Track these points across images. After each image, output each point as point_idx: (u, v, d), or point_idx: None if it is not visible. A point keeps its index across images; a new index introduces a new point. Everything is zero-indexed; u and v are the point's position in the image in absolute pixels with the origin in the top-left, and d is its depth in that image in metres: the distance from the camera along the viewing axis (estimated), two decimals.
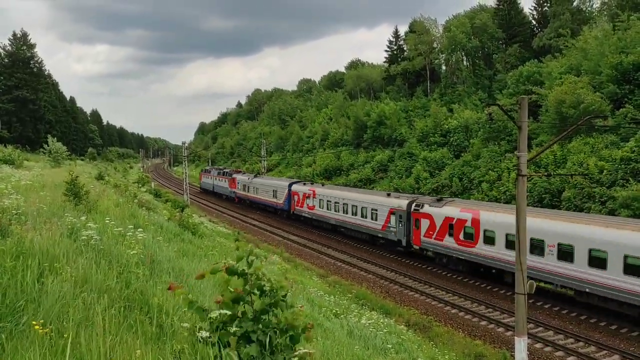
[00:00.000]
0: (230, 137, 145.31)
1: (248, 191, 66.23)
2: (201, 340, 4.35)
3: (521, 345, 14.95)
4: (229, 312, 4.31)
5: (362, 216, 40.46)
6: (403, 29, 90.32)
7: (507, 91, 58.63)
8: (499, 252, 27.29)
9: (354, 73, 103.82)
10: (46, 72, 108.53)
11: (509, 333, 22.19)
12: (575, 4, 65.45)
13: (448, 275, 31.74)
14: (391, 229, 36.83)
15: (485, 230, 28.26)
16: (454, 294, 28.07)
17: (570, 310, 24.48)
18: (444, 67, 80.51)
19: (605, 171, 37.48)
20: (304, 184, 54.06)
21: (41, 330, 4.35)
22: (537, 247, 24.89)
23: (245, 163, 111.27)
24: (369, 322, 17.28)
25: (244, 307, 4.41)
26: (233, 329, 4.24)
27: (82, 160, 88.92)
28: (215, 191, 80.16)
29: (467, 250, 29.57)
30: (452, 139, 59.95)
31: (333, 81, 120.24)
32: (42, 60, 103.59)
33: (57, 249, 6.97)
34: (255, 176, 67.11)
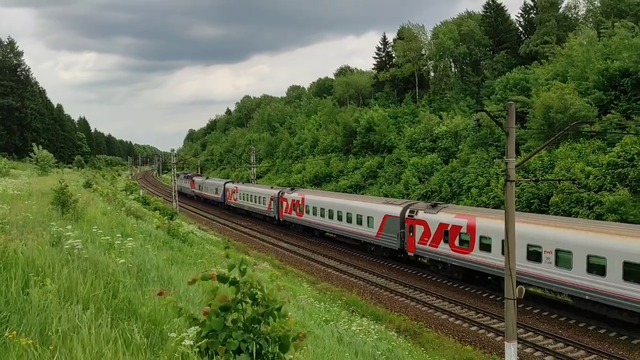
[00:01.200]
0: (220, 144, 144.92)
1: (201, 189, 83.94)
2: (188, 349, 4.29)
3: (511, 350, 14.98)
4: (215, 321, 4.26)
5: (357, 223, 39.54)
6: (391, 36, 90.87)
7: (495, 97, 59.16)
8: (495, 259, 26.57)
9: (343, 80, 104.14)
10: (33, 80, 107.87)
11: (499, 338, 22.23)
12: (561, 11, 66.25)
13: (438, 280, 31.78)
14: (385, 235, 36.41)
15: (481, 237, 27.76)
16: (444, 299, 28.10)
17: (559, 315, 24.60)
18: (432, 74, 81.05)
19: (592, 176, 37.86)
20: (243, 183, 58.83)
21: (25, 342, 4.27)
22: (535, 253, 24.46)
23: (235, 170, 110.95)
24: (359, 328, 17.24)
25: (235, 315, 4.36)
26: (222, 337, 4.19)
27: (69, 168, 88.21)
28: (182, 192, 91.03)
29: (463, 256, 29.13)
30: (441, 144, 60.27)
31: (322, 88, 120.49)
32: (29, 68, 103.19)
33: (42, 258, 6.86)
34: (207, 178, 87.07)
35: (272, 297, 4.45)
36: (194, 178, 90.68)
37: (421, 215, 32.49)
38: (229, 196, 68.79)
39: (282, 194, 52.40)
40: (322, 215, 44.32)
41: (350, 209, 40.49)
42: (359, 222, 39.12)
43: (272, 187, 57.78)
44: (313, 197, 47.28)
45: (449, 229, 29.99)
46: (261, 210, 57.91)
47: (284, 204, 51.35)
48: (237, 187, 66.46)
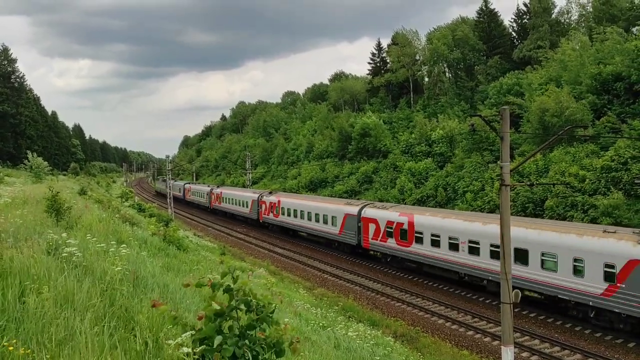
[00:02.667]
0: (215, 150, 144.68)
1: (173, 190, 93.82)
2: (185, 357, 4.29)
3: (508, 355, 14.99)
4: (210, 327, 4.27)
5: (324, 222, 43.30)
6: (385, 42, 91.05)
7: (489, 102, 59.40)
8: (426, 250, 31.03)
9: (338, 85, 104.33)
10: (27, 87, 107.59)
11: (495, 342, 22.24)
12: (553, 16, 66.70)
13: (434, 285, 31.81)
14: (346, 232, 39.91)
15: (416, 232, 31.92)
16: (440, 304, 28.12)
17: (555, 319, 24.65)
18: (426, 79, 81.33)
19: (587, 180, 38.01)
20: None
21: (23, 351, 4.26)
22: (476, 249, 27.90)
23: (230, 176, 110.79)
24: (356, 334, 17.22)
25: (231, 322, 4.36)
26: (216, 343, 4.19)
27: (64, 175, 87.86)
28: (160, 192, 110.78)
29: (404, 249, 33.03)
30: (436, 149, 60.41)
31: (317, 93, 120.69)
32: (23, 75, 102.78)
33: (38, 267, 6.85)
34: (181, 182, 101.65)
35: (266, 302, 4.47)
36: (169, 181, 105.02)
37: (373, 213, 36.34)
38: (214, 200, 74.02)
39: (261, 197, 56.99)
40: (295, 216, 48.56)
41: (318, 210, 44.45)
42: (325, 222, 43.13)
43: (253, 192, 62.18)
44: (287, 199, 51.59)
45: (394, 225, 33.80)
46: (243, 213, 62.66)
47: (263, 206, 55.98)
48: (221, 192, 71.91)
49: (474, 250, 27.92)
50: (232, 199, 66.72)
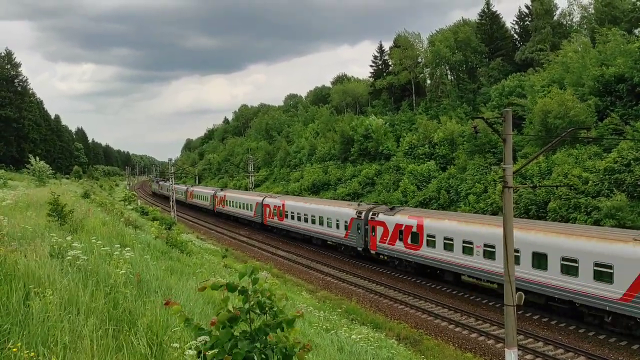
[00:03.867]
0: (217, 153, 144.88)
1: (162, 189, 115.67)
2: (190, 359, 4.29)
3: (512, 357, 14.96)
4: (223, 332, 4.25)
5: (328, 226, 43.14)
6: (387, 45, 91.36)
7: (491, 104, 59.37)
8: (439, 254, 30.48)
9: (340, 88, 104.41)
10: (30, 91, 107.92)
11: (499, 345, 22.19)
12: (555, 18, 66.68)
13: (437, 288, 31.76)
14: (352, 236, 39.58)
15: (427, 235, 31.52)
16: (443, 306, 28.06)
17: (559, 321, 24.57)
18: (428, 81, 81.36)
19: (590, 182, 37.94)
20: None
21: (27, 355, 4.27)
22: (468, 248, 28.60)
23: (233, 179, 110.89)
24: (359, 336, 17.19)
25: (244, 325, 4.35)
26: (227, 347, 4.18)
27: (67, 178, 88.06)
28: (154, 192, 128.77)
29: (414, 252, 32.80)
30: (438, 151, 60.39)
31: (319, 96, 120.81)
32: (26, 79, 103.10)
33: (42, 270, 6.87)
34: (169, 182, 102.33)
35: (282, 306, 4.44)
36: (160, 182, 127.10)
37: (381, 217, 36.17)
38: (218, 202, 73.96)
39: (265, 200, 56.73)
40: (299, 220, 48.25)
41: (323, 213, 43.90)
42: (329, 225, 42.89)
43: (258, 195, 61.83)
44: (292, 202, 50.95)
45: (403, 228, 33.69)
46: (247, 216, 62.14)
47: (267, 209, 55.69)
48: (225, 195, 71.94)
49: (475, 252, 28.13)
50: (236, 202, 66.06)
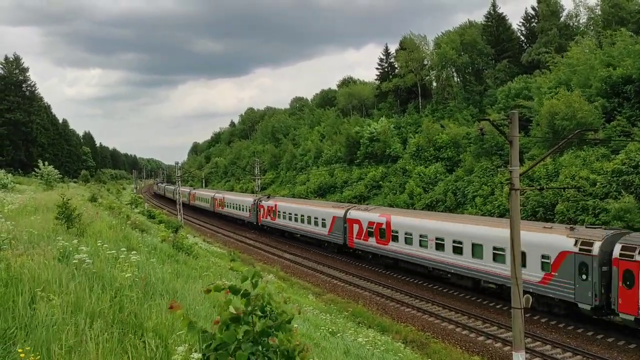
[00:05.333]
0: (224, 157, 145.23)
1: (159, 190, 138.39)
2: None
3: None
4: (227, 334, 4.27)
5: (314, 224, 46.53)
6: (393, 47, 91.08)
7: (497, 106, 59.16)
8: (400, 247, 34.09)
9: (346, 90, 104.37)
10: (38, 96, 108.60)
11: (506, 348, 22.06)
12: (562, 19, 66.40)
13: (444, 291, 31.65)
14: (334, 233, 43.01)
15: (392, 231, 34.70)
16: (450, 309, 27.95)
17: (567, 324, 24.41)
18: (434, 84, 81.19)
19: (597, 184, 37.71)
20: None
21: (33, 358, 4.29)
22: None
23: (240, 182, 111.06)
24: (366, 340, 17.15)
25: (246, 327, 4.37)
26: (230, 349, 4.20)
27: (74, 182, 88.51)
28: (156, 193, 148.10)
29: (383, 247, 35.82)
30: (444, 154, 60.24)
31: (325, 99, 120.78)
32: (34, 84, 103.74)
33: (48, 273, 6.90)
34: (164, 184, 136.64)
35: (281, 309, 4.47)
36: (159, 184, 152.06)
37: (357, 214, 39.29)
38: (217, 205, 78.39)
39: (259, 201, 60.63)
40: (290, 219, 52.05)
41: (310, 213, 47.51)
42: (316, 224, 46.15)
43: (252, 197, 65.81)
44: (283, 203, 55.45)
45: (374, 225, 36.58)
46: (243, 216, 65.88)
47: (262, 210, 59.49)
48: (223, 197, 76.70)
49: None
50: (233, 203, 70.19)
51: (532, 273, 24.65)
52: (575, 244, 23.32)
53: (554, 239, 24.52)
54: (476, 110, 67.14)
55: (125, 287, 7.61)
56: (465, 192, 51.21)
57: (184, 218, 65.97)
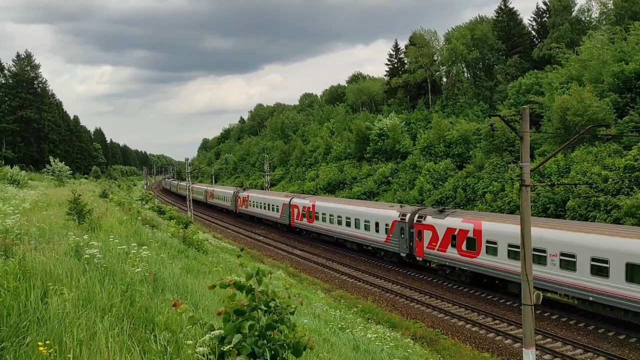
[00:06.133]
0: (234, 153, 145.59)
1: (166, 185, 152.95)
2: (202, 356, 4.32)
3: (529, 357, 14.81)
4: (229, 325, 4.31)
5: (365, 229, 40.37)
6: (403, 43, 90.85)
7: (508, 102, 58.79)
8: (501, 262, 27.42)
9: (355, 87, 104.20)
10: (50, 92, 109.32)
11: (517, 345, 21.98)
12: (574, 14, 65.79)
13: (454, 287, 31.56)
14: (394, 241, 36.86)
15: (487, 241, 28.44)
16: (460, 306, 27.88)
17: (578, 321, 24.27)
18: (444, 79, 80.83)
19: (609, 180, 37.35)
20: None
21: (45, 351, 4.33)
22: None
23: (249, 178, 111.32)
24: (375, 336, 17.15)
25: (251, 322, 4.41)
26: (235, 341, 4.23)
27: (85, 178, 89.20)
28: (164, 187, 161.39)
29: (470, 260, 29.74)
30: (454, 150, 59.99)
31: (335, 95, 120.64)
32: (46, 81, 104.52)
33: (60, 268, 6.96)
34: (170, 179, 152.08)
35: (285, 304, 4.50)
36: (167, 180, 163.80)
37: (429, 220, 33.29)
38: (241, 203, 76.76)
39: (292, 200, 54.71)
40: (332, 222, 45.75)
41: (359, 215, 41.33)
42: (368, 229, 39.97)
43: (285, 195, 60.10)
44: (323, 203, 48.89)
45: (456, 233, 30.60)
46: (273, 217, 60.11)
47: (295, 210, 53.41)
48: (248, 195, 74.98)
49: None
50: (261, 202, 64.32)
51: (381, 236, 38.28)
52: (399, 216, 36.11)
53: (392, 213, 37.25)
54: (486, 106, 66.78)
55: (135, 281, 7.66)
56: (475, 188, 50.97)
57: (194, 214, 66.22)
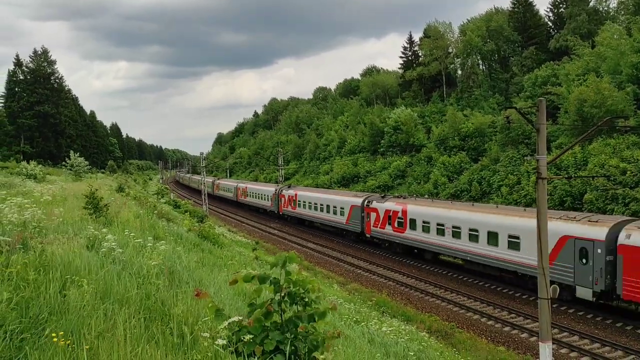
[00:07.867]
0: (248, 147, 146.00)
1: (178, 178, 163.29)
2: (222, 349, 4.34)
3: (546, 351, 14.70)
4: (256, 326, 4.27)
5: (333, 213, 48.28)
6: (417, 36, 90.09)
7: (524, 94, 58.15)
8: (418, 235, 35.31)
9: (369, 80, 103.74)
10: (66, 88, 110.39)
11: (533, 339, 21.84)
12: (591, 4, 64.73)
13: (469, 280, 31.43)
14: (352, 222, 44.77)
15: (410, 219, 36.23)
16: (475, 299, 27.76)
17: (595, 315, 24.03)
18: (459, 72, 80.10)
19: (628, 172, 36.83)
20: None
21: (63, 342, 4.40)
22: None
23: (264, 172, 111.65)
24: (390, 329, 17.15)
25: (275, 315, 4.37)
26: (259, 339, 4.20)
27: (102, 173, 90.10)
28: (177, 180, 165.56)
29: (400, 235, 37.45)
30: (469, 143, 59.54)
31: (348, 88, 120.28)
32: (62, 76, 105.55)
33: (78, 261, 7.05)
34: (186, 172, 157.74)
35: (315, 297, 4.44)
36: (179, 173, 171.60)
37: (374, 204, 41.17)
38: (240, 194, 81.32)
39: (280, 191, 61.78)
40: (310, 208, 53.74)
41: (328, 202, 49.40)
42: (334, 212, 48.11)
43: (274, 186, 67.79)
44: (304, 193, 56.53)
45: (391, 214, 38.45)
46: (265, 206, 67.91)
47: (282, 199, 60.97)
48: (246, 187, 79.72)
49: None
50: (255, 193, 71.88)
51: (342, 218, 46.39)
52: (361, 202, 43.47)
53: (353, 200, 45.26)
54: (502, 99, 66.11)
55: (152, 274, 7.73)
56: (491, 181, 50.59)
57: (209, 208, 66.65)
